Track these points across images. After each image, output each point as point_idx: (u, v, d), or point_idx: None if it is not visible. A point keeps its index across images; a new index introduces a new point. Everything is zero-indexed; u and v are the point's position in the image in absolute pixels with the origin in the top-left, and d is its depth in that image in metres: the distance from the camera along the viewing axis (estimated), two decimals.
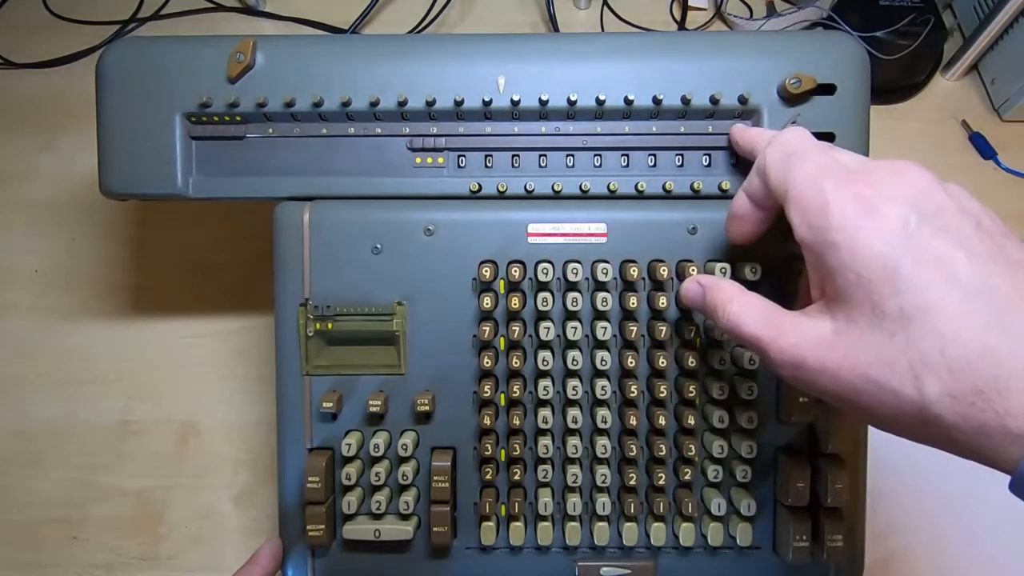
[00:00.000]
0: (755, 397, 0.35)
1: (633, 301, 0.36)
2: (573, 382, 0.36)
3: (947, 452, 0.23)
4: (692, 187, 0.38)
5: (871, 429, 0.37)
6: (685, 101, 0.37)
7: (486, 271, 0.37)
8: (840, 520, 0.35)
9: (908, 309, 0.22)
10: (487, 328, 0.36)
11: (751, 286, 0.30)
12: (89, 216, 0.57)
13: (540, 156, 0.39)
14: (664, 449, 0.36)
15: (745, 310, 0.28)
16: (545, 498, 0.37)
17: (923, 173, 0.25)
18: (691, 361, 0.36)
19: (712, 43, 0.38)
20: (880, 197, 0.24)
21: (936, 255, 0.23)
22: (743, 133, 0.36)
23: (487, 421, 0.37)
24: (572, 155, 0.39)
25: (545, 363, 0.36)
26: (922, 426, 0.23)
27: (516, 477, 0.37)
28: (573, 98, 0.37)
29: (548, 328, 0.36)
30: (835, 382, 0.24)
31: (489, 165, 0.39)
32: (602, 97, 0.37)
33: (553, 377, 0.37)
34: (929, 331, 0.22)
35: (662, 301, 0.35)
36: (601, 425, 0.36)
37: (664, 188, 0.38)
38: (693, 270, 0.36)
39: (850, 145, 0.37)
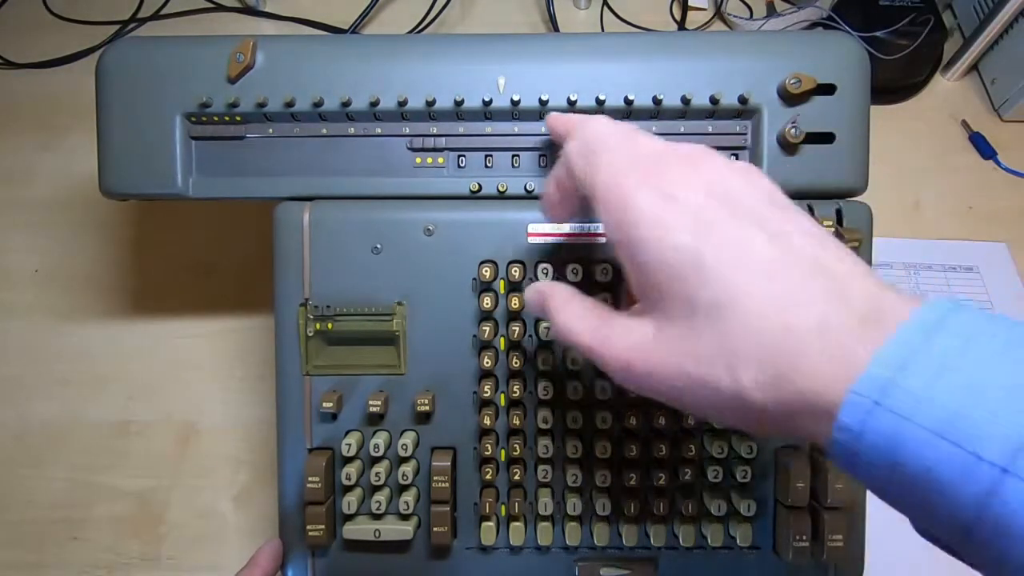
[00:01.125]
0: None
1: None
2: (573, 383, 0.36)
3: (780, 437, 0.23)
4: None
5: None
6: (685, 101, 0.37)
7: (486, 271, 0.37)
8: (840, 520, 0.35)
9: (717, 299, 0.22)
10: (487, 328, 0.36)
11: None
12: (89, 216, 0.57)
13: (540, 156, 0.39)
14: (664, 450, 0.36)
15: (574, 318, 0.27)
16: (545, 498, 0.37)
17: (714, 158, 0.25)
18: None
19: (712, 43, 0.38)
20: (678, 188, 0.24)
21: (735, 239, 0.22)
22: (556, 120, 0.34)
23: (487, 421, 0.37)
24: None
25: (545, 363, 0.36)
26: (747, 415, 0.23)
27: (516, 477, 0.37)
28: (573, 98, 0.37)
29: (548, 328, 0.36)
30: (661, 383, 0.24)
31: (489, 165, 0.39)
32: (602, 97, 0.37)
33: (553, 377, 0.37)
34: (739, 319, 0.22)
35: None
36: (601, 426, 0.36)
37: None
38: None
39: (850, 145, 0.37)
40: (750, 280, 0.22)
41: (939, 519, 0.19)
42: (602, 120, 0.28)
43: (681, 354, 0.23)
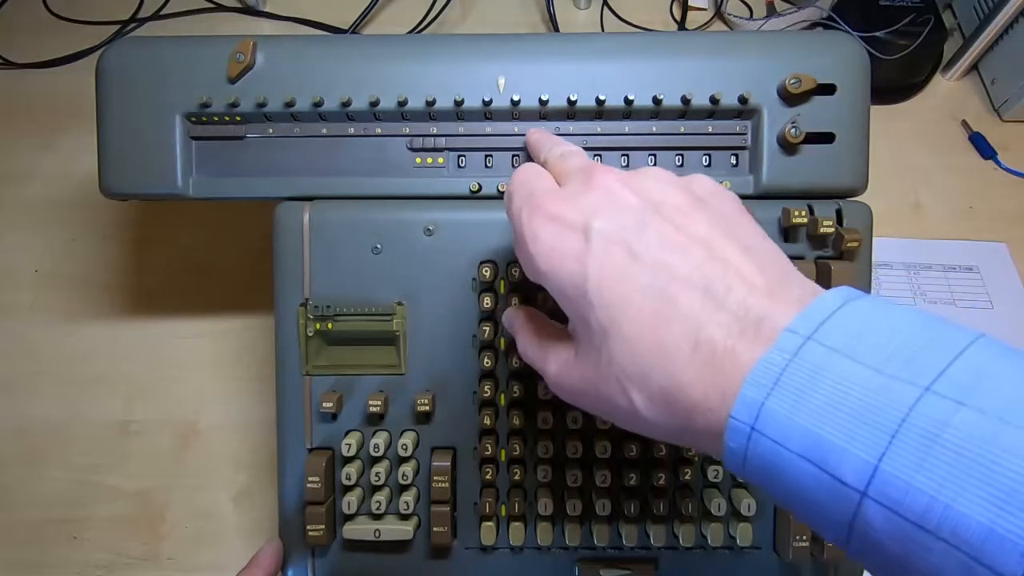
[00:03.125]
0: None
1: None
2: None
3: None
4: None
5: None
6: (685, 101, 0.37)
7: (486, 271, 0.37)
8: None
9: (603, 321, 0.22)
10: (487, 328, 0.36)
11: None
12: (89, 216, 0.57)
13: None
14: (664, 450, 0.36)
15: (528, 339, 0.29)
16: (545, 498, 0.37)
17: (606, 176, 0.25)
18: None
19: (712, 43, 0.38)
20: (568, 214, 0.24)
21: (616, 261, 0.22)
22: (532, 135, 0.36)
23: (487, 421, 0.37)
24: None
25: None
26: (652, 431, 0.23)
27: (516, 477, 0.37)
28: (573, 98, 0.37)
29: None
30: (584, 401, 0.25)
31: (489, 165, 0.39)
32: (602, 97, 0.37)
33: None
34: (621, 339, 0.22)
35: None
36: (601, 426, 0.36)
37: None
38: None
39: (850, 145, 0.37)
40: (626, 299, 0.22)
41: (825, 532, 0.19)
42: (524, 167, 0.28)
43: (591, 374, 0.24)
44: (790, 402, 0.19)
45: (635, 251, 0.22)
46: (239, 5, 0.68)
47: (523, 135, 0.38)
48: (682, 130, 0.38)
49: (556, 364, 0.26)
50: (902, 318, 0.19)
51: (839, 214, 0.37)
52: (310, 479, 0.36)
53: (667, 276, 0.22)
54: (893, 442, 0.17)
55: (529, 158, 0.37)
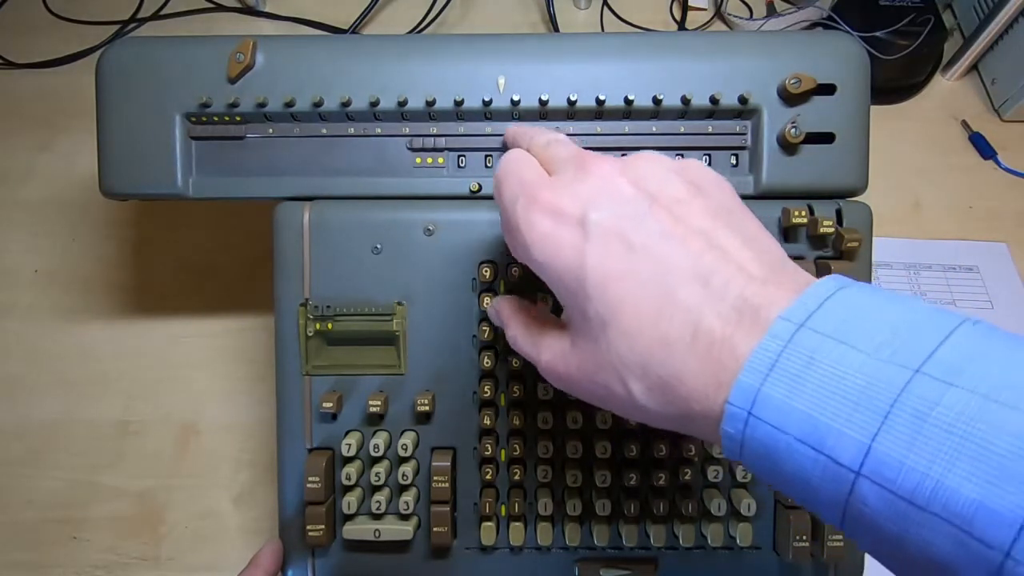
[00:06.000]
0: None
1: None
2: None
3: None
4: None
5: None
6: (685, 101, 0.37)
7: (486, 271, 0.37)
8: None
9: (602, 313, 0.22)
10: (487, 328, 0.36)
11: None
12: (89, 216, 0.57)
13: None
14: (664, 450, 0.36)
15: (518, 330, 0.28)
16: (545, 498, 0.37)
17: (601, 164, 0.25)
18: None
19: (712, 43, 0.38)
20: (565, 205, 0.24)
21: (615, 253, 0.22)
22: (512, 129, 0.34)
23: (487, 421, 0.37)
24: None
25: None
26: (649, 419, 0.23)
27: (516, 477, 0.37)
28: (573, 98, 0.37)
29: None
30: (580, 389, 0.25)
31: (489, 165, 0.39)
32: (602, 97, 0.37)
33: None
34: (620, 331, 0.22)
35: None
36: (601, 426, 0.36)
37: None
38: None
39: (850, 145, 0.37)
40: (627, 291, 0.22)
41: (820, 512, 0.20)
42: (511, 153, 0.28)
43: (588, 363, 0.24)
44: (785, 387, 0.19)
45: (633, 243, 0.22)
46: (239, 5, 0.68)
47: None
48: (682, 130, 0.38)
49: (550, 353, 0.26)
50: (892, 304, 0.20)
51: (839, 214, 0.37)
52: (310, 479, 0.36)
53: (666, 268, 0.22)
54: (885, 422, 0.17)
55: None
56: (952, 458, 0.16)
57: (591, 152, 0.26)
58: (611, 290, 0.22)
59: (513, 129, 0.34)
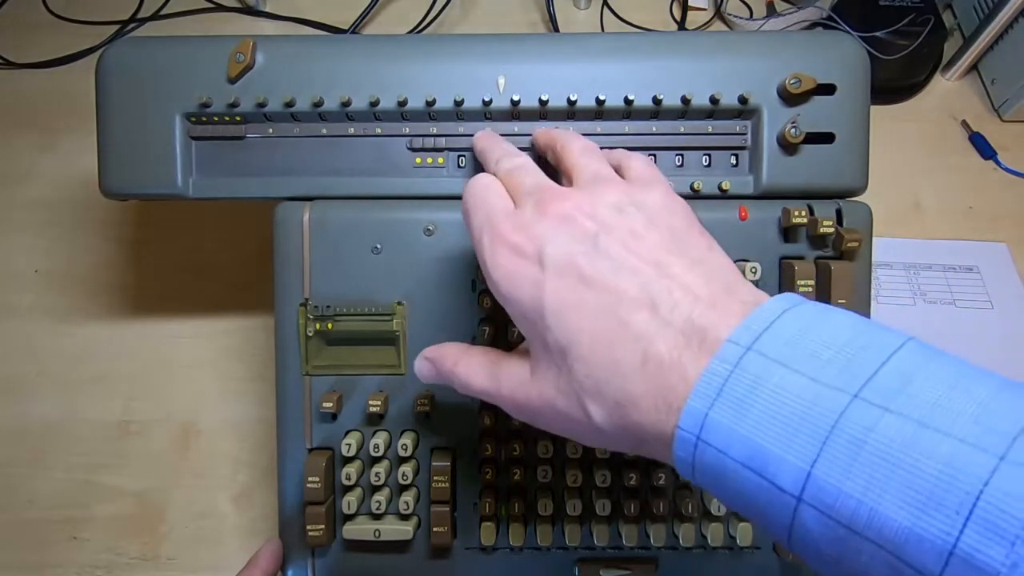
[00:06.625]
0: None
1: None
2: None
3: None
4: (692, 187, 0.38)
5: None
6: (685, 101, 0.37)
7: None
8: None
9: (560, 341, 0.23)
10: (487, 328, 0.36)
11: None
12: (89, 216, 0.57)
13: (540, 156, 0.39)
14: None
15: (471, 369, 0.28)
16: (545, 499, 0.37)
17: (560, 204, 0.25)
18: None
19: (712, 43, 0.38)
20: (523, 243, 0.25)
21: (569, 287, 0.23)
22: (479, 141, 0.35)
23: (487, 421, 0.37)
24: None
25: None
26: (609, 443, 0.24)
27: (516, 478, 0.37)
28: (573, 98, 0.37)
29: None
30: (540, 417, 0.26)
31: None
32: (602, 97, 0.37)
33: None
34: (577, 357, 0.23)
35: None
36: None
37: None
38: None
39: (850, 145, 0.37)
40: (582, 320, 0.23)
41: (771, 532, 0.20)
42: (478, 179, 0.29)
43: (549, 390, 0.25)
44: (732, 412, 0.19)
45: (586, 277, 0.23)
46: (239, 5, 0.68)
47: (523, 135, 0.38)
48: (682, 130, 0.38)
49: (510, 383, 0.26)
50: (838, 324, 0.20)
51: (839, 214, 0.37)
52: (310, 479, 0.36)
53: (617, 299, 0.23)
54: (824, 449, 0.18)
55: (478, 163, 0.36)
56: (885, 485, 0.17)
57: (551, 185, 0.27)
58: (568, 320, 0.23)
59: (482, 143, 0.35)
